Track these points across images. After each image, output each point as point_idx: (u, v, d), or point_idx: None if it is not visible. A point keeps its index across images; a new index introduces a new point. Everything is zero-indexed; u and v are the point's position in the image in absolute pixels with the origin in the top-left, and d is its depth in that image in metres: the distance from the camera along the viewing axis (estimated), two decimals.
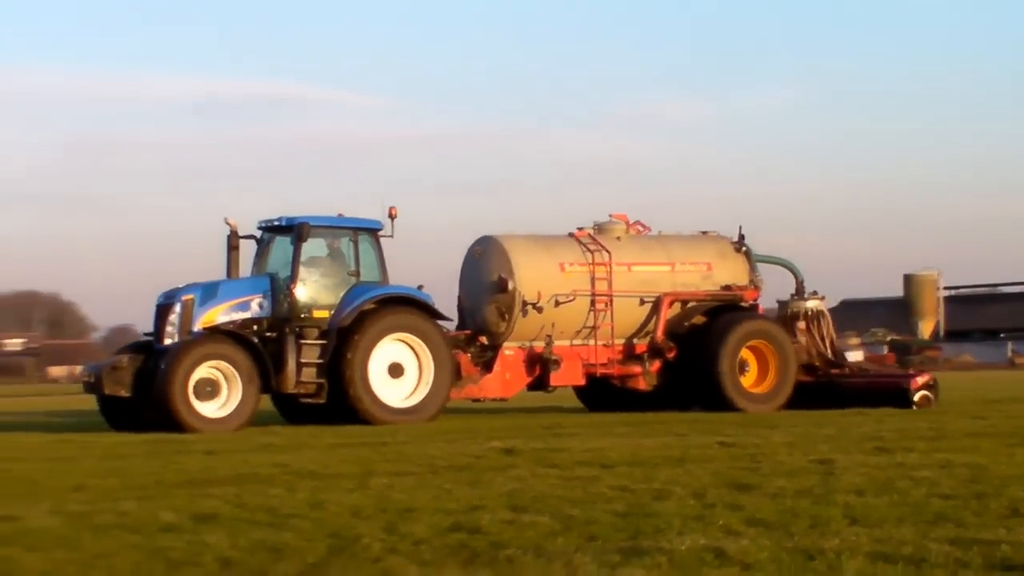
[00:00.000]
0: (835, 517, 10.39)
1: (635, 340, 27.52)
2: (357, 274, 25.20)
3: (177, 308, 24.43)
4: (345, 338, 24.34)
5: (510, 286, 26.43)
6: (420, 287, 25.61)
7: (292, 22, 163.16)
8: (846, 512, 10.63)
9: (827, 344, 28.71)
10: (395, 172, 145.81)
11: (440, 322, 25.82)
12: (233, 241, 26.03)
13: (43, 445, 21.86)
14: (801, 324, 28.42)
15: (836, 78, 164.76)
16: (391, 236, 25.68)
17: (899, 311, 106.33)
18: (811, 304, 28.93)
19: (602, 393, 28.21)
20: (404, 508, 11.49)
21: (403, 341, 24.91)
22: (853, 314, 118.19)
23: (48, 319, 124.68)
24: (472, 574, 8.63)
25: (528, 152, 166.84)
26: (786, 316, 28.98)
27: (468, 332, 27.08)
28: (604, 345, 27.30)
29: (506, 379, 26.79)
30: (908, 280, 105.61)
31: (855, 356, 41.85)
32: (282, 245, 25.54)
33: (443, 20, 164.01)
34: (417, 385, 24.99)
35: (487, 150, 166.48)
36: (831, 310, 29.89)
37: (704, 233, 29.21)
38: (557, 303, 26.63)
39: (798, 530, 9.80)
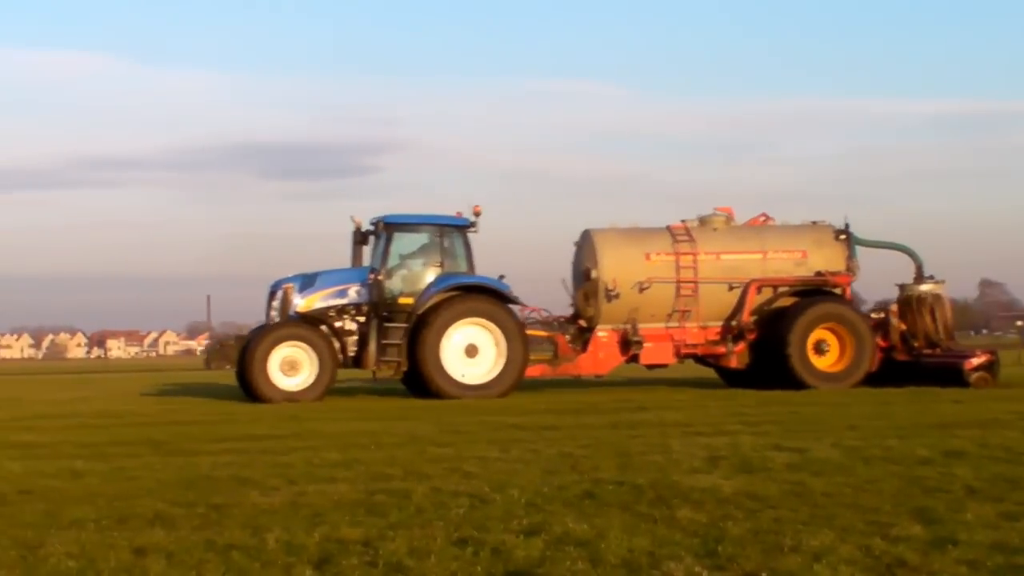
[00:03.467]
0: None
1: (732, 323, 28.95)
2: (442, 265, 27.44)
3: (279, 294, 27.42)
4: (423, 322, 26.91)
5: (593, 274, 28.55)
6: (501, 277, 27.64)
7: None
8: None
9: (939, 325, 28.95)
10: None
11: (519, 306, 27.78)
12: (357, 236, 28.34)
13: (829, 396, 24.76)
14: (894, 307, 29.03)
15: None
16: (476, 232, 27.78)
17: None
18: (925, 288, 29.23)
19: (729, 371, 29.92)
20: None
21: (479, 325, 27.05)
22: None
23: None
24: None
25: None
26: (902, 299, 29.39)
27: (566, 316, 29.43)
28: (700, 327, 29.04)
29: (599, 358, 28.87)
30: None
31: None
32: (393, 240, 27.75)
33: None
34: (493, 364, 27.17)
35: None
36: None
37: (814, 223, 30.03)
38: (641, 289, 28.54)
39: None
